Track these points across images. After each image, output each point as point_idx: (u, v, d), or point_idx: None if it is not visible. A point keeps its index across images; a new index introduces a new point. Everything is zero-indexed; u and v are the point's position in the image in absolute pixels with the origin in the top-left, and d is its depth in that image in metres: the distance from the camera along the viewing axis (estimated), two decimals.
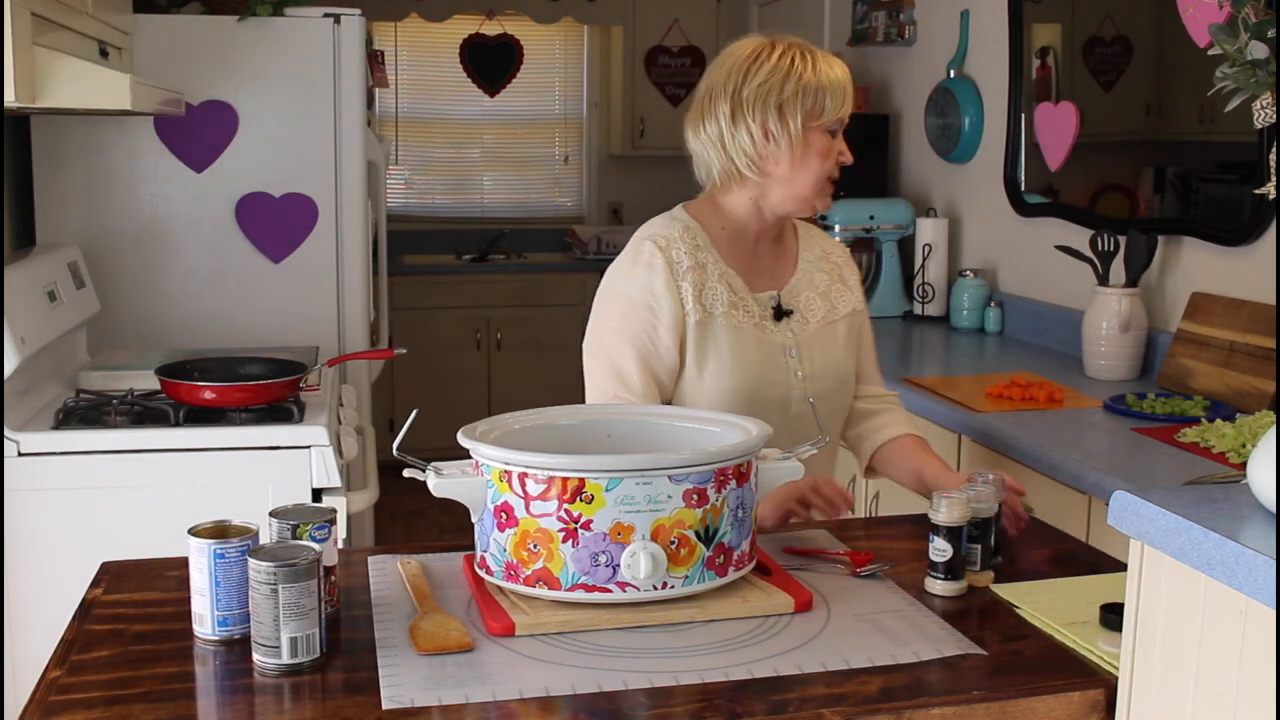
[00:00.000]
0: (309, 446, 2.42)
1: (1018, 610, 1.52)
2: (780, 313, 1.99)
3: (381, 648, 1.39)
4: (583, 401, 1.93)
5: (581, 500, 1.41)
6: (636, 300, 1.91)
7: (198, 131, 3.28)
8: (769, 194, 1.96)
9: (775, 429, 1.74)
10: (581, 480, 1.41)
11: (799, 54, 1.93)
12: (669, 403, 1.94)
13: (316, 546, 1.39)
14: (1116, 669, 1.30)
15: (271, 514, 1.47)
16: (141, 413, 2.52)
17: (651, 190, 6.51)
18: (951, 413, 2.61)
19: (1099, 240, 2.94)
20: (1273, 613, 0.99)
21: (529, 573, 1.44)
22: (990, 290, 3.69)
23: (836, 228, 4.00)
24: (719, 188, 1.99)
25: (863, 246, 4.01)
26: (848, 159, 1.97)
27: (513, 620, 1.42)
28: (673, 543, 1.43)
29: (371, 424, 3.40)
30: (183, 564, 1.47)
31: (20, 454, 2.33)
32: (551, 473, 1.41)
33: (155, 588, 1.58)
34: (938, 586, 1.57)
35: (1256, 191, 2.35)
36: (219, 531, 1.45)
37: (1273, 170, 2.25)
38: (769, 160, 1.92)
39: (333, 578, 1.48)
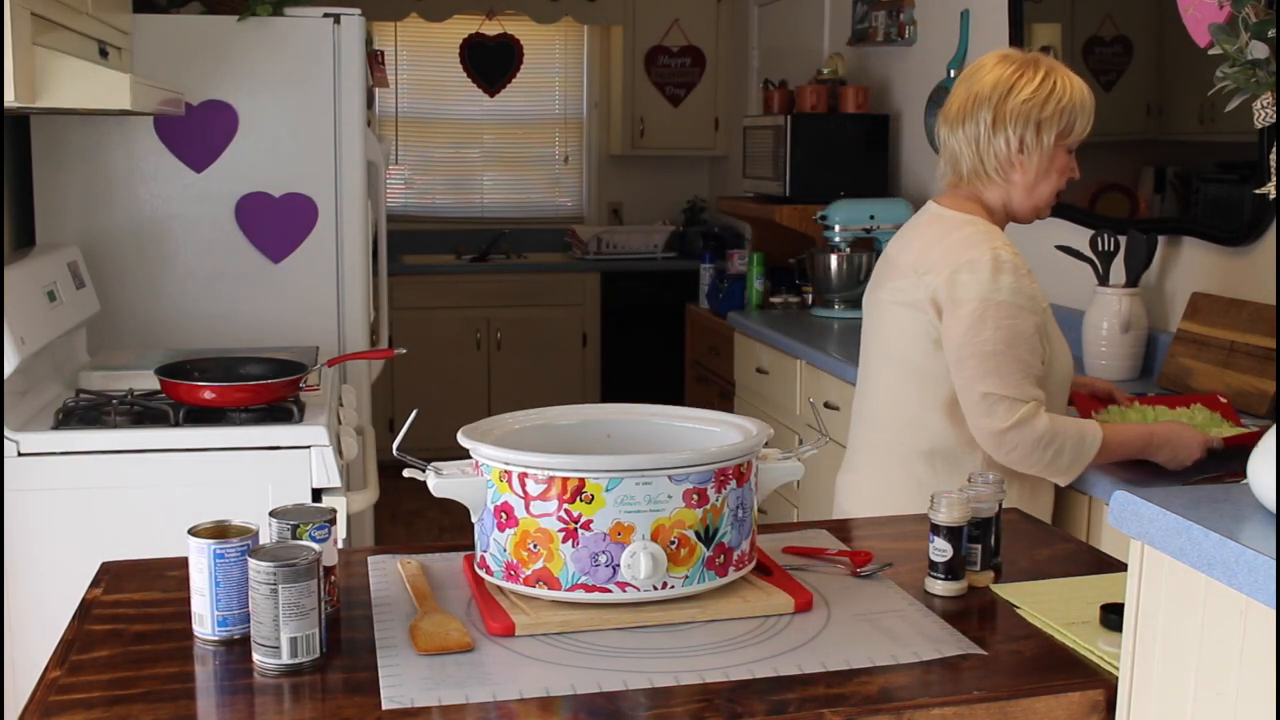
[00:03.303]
0: (309, 446, 2.42)
1: (1018, 610, 1.52)
2: None
3: (381, 648, 1.39)
4: (583, 401, 1.95)
5: (581, 500, 1.41)
6: (1013, 305, 2.04)
7: (198, 131, 3.28)
8: (1013, 198, 2.16)
9: (1064, 403, 2.16)
10: (581, 480, 1.41)
11: (1060, 78, 2.11)
12: None
13: (316, 546, 1.39)
14: (1116, 669, 1.30)
15: (271, 514, 1.47)
16: (141, 413, 2.52)
17: (651, 190, 6.52)
18: None
19: (1099, 240, 2.94)
20: (1273, 613, 0.99)
21: (529, 573, 1.44)
22: None
23: (836, 228, 4.00)
24: (972, 187, 2.17)
25: (863, 246, 4.01)
26: (1077, 175, 2.18)
27: (513, 620, 1.42)
28: (673, 543, 1.43)
29: (371, 424, 3.40)
30: (183, 564, 1.47)
31: (20, 454, 2.33)
32: (551, 473, 1.41)
33: (155, 588, 1.58)
34: (938, 586, 1.57)
35: (1256, 191, 2.35)
36: (219, 531, 1.45)
37: (1273, 170, 2.25)
38: (1017, 169, 2.12)
39: (333, 578, 1.48)
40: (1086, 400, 2.36)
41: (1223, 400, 2.35)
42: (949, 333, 2.07)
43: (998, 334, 2.02)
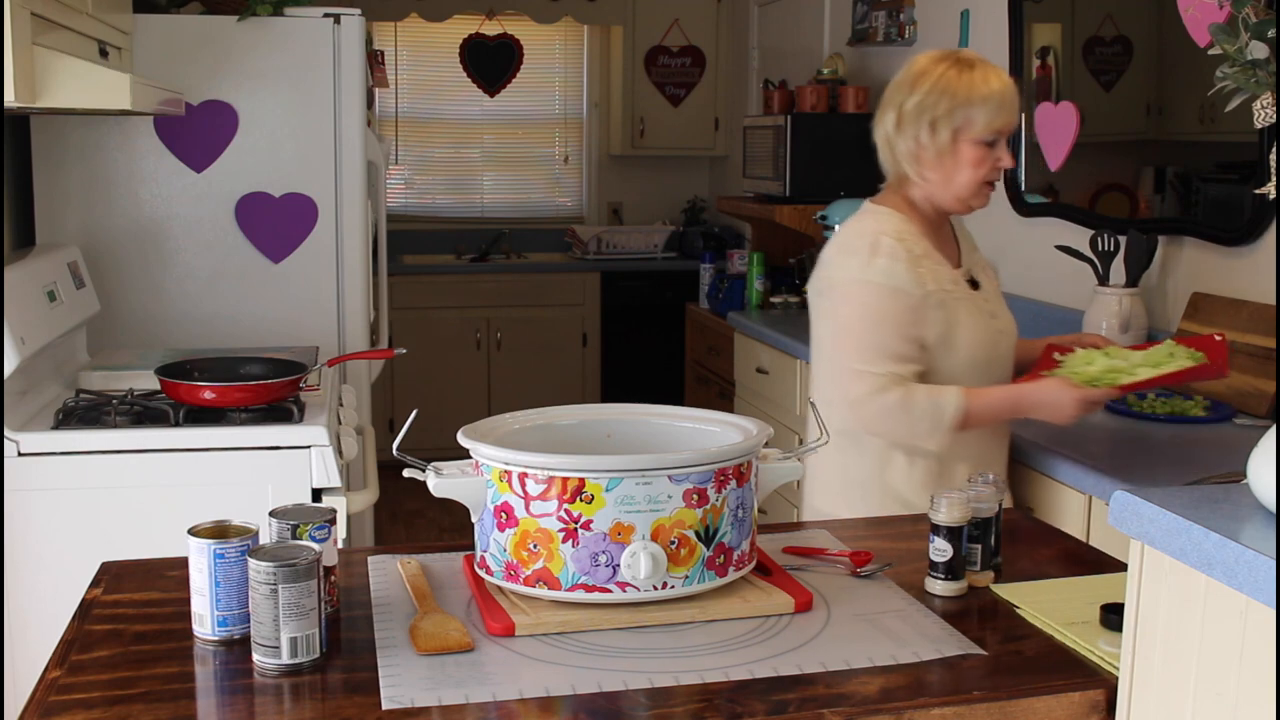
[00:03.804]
0: (309, 446, 2.42)
1: (1018, 610, 1.52)
2: (974, 284, 2.24)
3: (381, 648, 1.39)
4: (583, 401, 1.96)
5: (581, 500, 1.41)
6: (884, 286, 2.08)
7: (198, 131, 3.28)
8: (934, 193, 2.19)
9: (992, 379, 2.18)
10: (581, 480, 1.41)
11: (958, 72, 2.12)
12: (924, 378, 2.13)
13: (316, 546, 1.39)
14: (1116, 669, 1.30)
15: (271, 514, 1.47)
16: (141, 413, 2.52)
17: (651, 190, 6.52)
18: None
19: (1099, 240, 2.94)
20: (1273, 613, 0.99)
21: (529, 573, 1.44)
22: None
23: (836, 227, 3.99)
24: (901, 185, 2.22)
25: None
26: (1006, 164, 2.18)
27: (513, 620, 1.42)
28: (673, 543, 1.43)
29: (371, 424, 3.40)
30: (183, 564, 1.47)
31: (20, 454, 2.33)
32: (551, 473, 1.41)
33: (155, 588, 1.58)
34: (938, 586, 1.57)
35: (1257, 191, 2.35)
36: (219, 531, 1.45)
37: (1273, 170, 2.25)
38: (925, 165, 2.16)
39: (333, 578, 1.48)
40: (1063, 349, 2.37)
41: (1218, 339, 2.31)
42: (831, 313, 2.16)
43: (862, 311, 2.10)
